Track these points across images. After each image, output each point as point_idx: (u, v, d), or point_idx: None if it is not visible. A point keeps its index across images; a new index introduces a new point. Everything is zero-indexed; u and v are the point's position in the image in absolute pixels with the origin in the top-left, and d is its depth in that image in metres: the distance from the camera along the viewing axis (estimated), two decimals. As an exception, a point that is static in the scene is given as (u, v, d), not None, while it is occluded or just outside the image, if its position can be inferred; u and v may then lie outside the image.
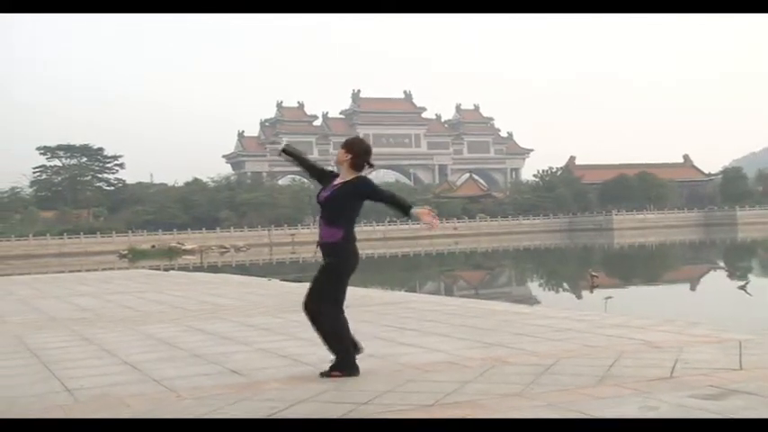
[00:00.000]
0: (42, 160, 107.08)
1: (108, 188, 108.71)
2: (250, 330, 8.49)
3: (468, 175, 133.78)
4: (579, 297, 19.97)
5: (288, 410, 4.53)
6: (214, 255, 62.78)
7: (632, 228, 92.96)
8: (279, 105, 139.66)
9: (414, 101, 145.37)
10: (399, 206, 5.63)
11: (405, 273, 34.65)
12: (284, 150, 6.05)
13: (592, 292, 19.50)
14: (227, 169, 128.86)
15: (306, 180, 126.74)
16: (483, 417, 4.17)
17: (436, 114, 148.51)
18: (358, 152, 5.63)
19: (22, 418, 4.66)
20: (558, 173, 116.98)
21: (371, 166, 5.69)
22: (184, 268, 35.14)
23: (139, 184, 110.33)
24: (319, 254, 5.68)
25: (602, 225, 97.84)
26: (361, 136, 5.65)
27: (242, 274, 25.15)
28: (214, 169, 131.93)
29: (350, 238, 5.57)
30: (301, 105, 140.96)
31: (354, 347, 5.62)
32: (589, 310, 10.88)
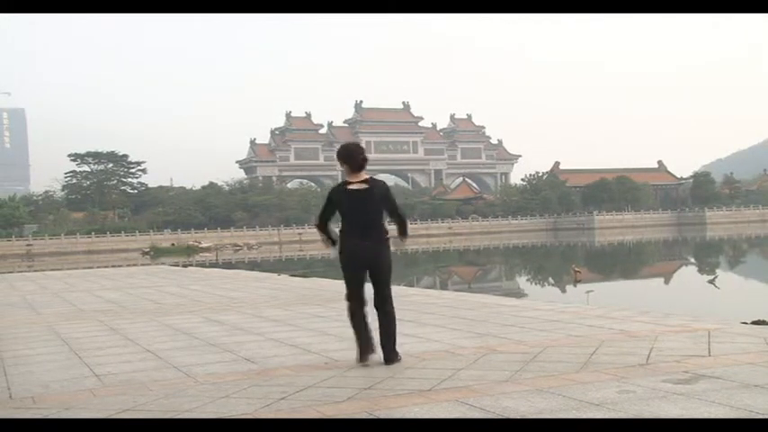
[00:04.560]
0: (73, 166, 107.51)
1: (132, 191, 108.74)
2: (262, 322, 8.49)
3: (461, 179, 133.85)
4: (563, 291, 19.95)
5: (297, 395, 4.54)
6: (228, 252, 62.69)
7: (612, 227, 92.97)
8: (288, 115, 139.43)
9: (411, 111, 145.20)
10: (400, 225, 5.60)
11: (403, 269, 34.59)
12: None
13: (575, 286, 19.48)
14: (240, 174, 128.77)
15: (313, 184, 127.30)
16: (476, 403, 4.17)
17: (432, 123, 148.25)
18: (342, 161, 5.52)
19: (24, 418, 4.65)
20: (544, 177, 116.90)
21: (348, 163, 5.44)
22: (201, 264, 35.10)
23: (160, 187, 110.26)
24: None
25: (584, 225, 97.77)
26: (362, 143, 5.42)
27: (254, 270, 25.15)
28: (228, 174, 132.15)
29: (343, 234, 5.55)
30: (308, 115, 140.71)
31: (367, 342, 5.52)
32: (572, 302, 10.89)
